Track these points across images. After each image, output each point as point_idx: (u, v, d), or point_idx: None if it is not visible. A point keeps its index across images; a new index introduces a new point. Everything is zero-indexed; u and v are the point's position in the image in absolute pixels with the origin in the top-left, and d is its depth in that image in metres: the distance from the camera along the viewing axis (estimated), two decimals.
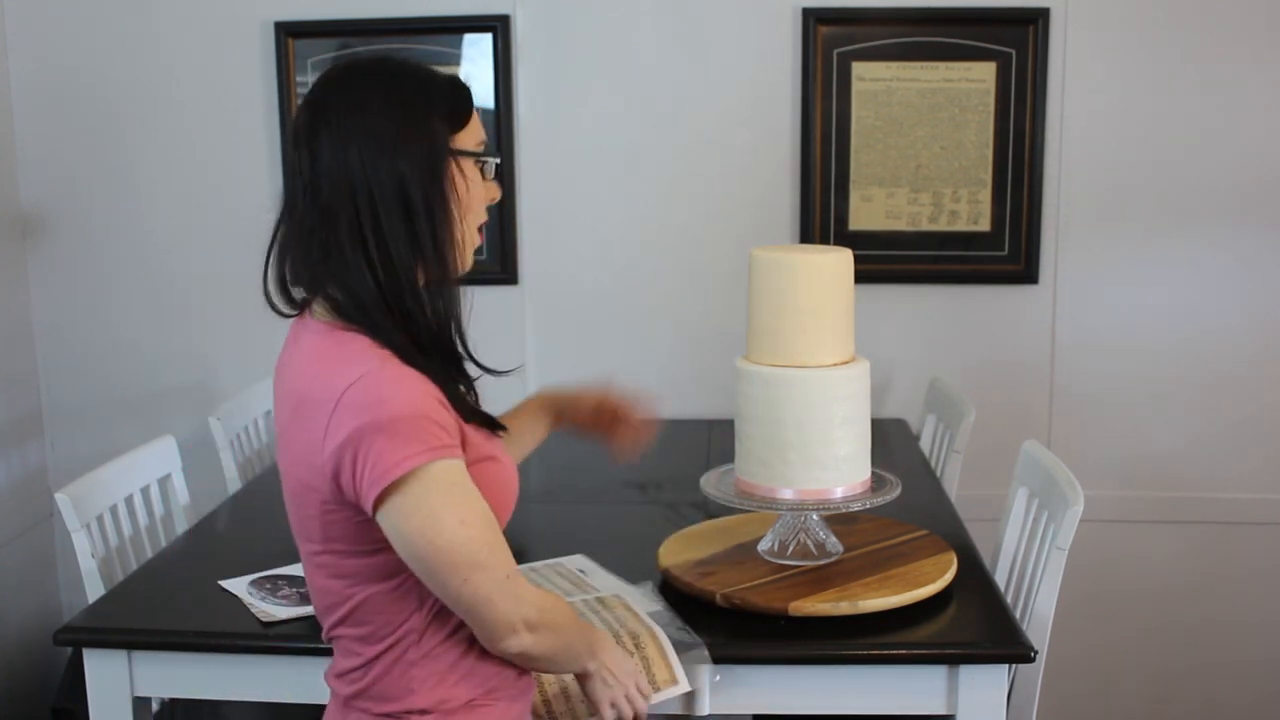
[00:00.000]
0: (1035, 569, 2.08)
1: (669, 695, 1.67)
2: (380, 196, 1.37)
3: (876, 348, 2.82)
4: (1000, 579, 2.16)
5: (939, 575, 1.87)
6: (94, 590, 2.12)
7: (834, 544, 1.97)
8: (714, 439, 2.79)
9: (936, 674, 1.75)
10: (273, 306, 1.48)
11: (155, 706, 2.05)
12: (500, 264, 3.00)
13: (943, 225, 2.99)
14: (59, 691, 2.90)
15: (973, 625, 1.83)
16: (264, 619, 1.84)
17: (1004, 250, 2.99)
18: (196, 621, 1.87)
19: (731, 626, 1.79)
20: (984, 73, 2.93)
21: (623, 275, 3.05)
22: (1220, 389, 3.00)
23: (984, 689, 1.75)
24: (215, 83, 3.07)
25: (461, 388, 1.46)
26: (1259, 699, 3.09)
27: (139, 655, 1.83)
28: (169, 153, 3.11)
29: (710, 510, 2.25)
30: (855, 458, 1.90)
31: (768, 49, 2.97)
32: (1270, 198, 2.93)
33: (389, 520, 1.33)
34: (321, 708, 1.56)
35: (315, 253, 1.40)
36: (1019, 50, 2.91)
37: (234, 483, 2.73)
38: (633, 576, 1.95)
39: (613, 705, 1.54)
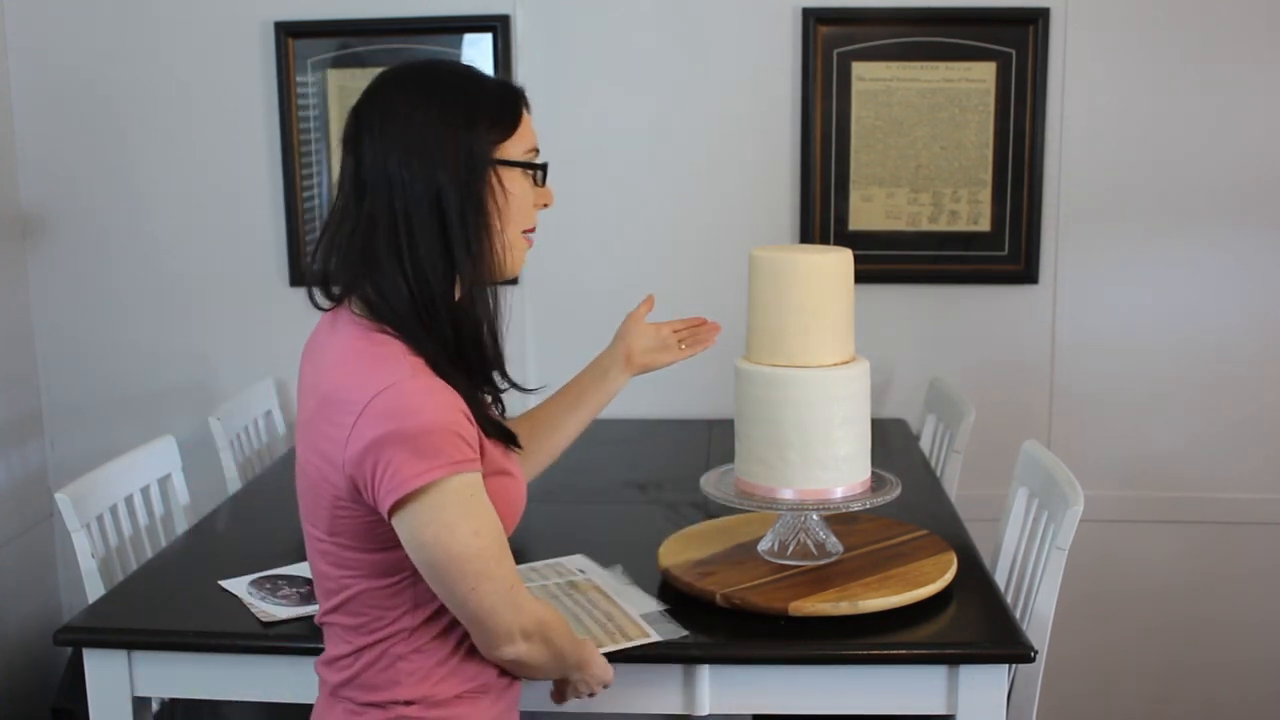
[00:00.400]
0: (1035, 569, 2.08)
1: (640, 643, 1.72)
2: (415, 207, 1.38)
3: (876, 348, 2.83)
4: (1000, 579, 2.16)
5: (939, 575, 1.87)
6: (94, 590, 2.12)
7: (834, 544, 1.97)
8: (714, 439, 2.79)
9: (936, 674, 1.75)
10: (313, 301, 1.50)
11: (155, 706, 2.05)
12: None
13: (943, 225, 2.99)
14: (59, 691, 2.90)
15: (973, 625, 1.83)
16: (264, 619, 1.84)
17: (1004, 250, 2.99)
18: (196, 621, 1.87)
19: (731, 626, 1.79)
20: (984, 73, 2.93)
21: (623, 275, 3.05)
22: (1220, 389, 3.00)
23: (984, 689, 1.75)
24: (215, 83, 3.07)
25: (488, 398, 1.50)
26: (1259, 699, 3.09)
27: (139, 655, 1.83)
28: (169, 153, 3.11)
29: (710, 510, 2.25)
30: (855, 458, 1.90)
31: (768, 49, 2.97)
32: (1270, 198, 2.93)
33: (404, 526, 1.35)
34: None
35: (354, 256, 1.42)
36: (1019, 50, 2.91)
37: (234, 483, 2.73)
38: (633, 577, 1.95)
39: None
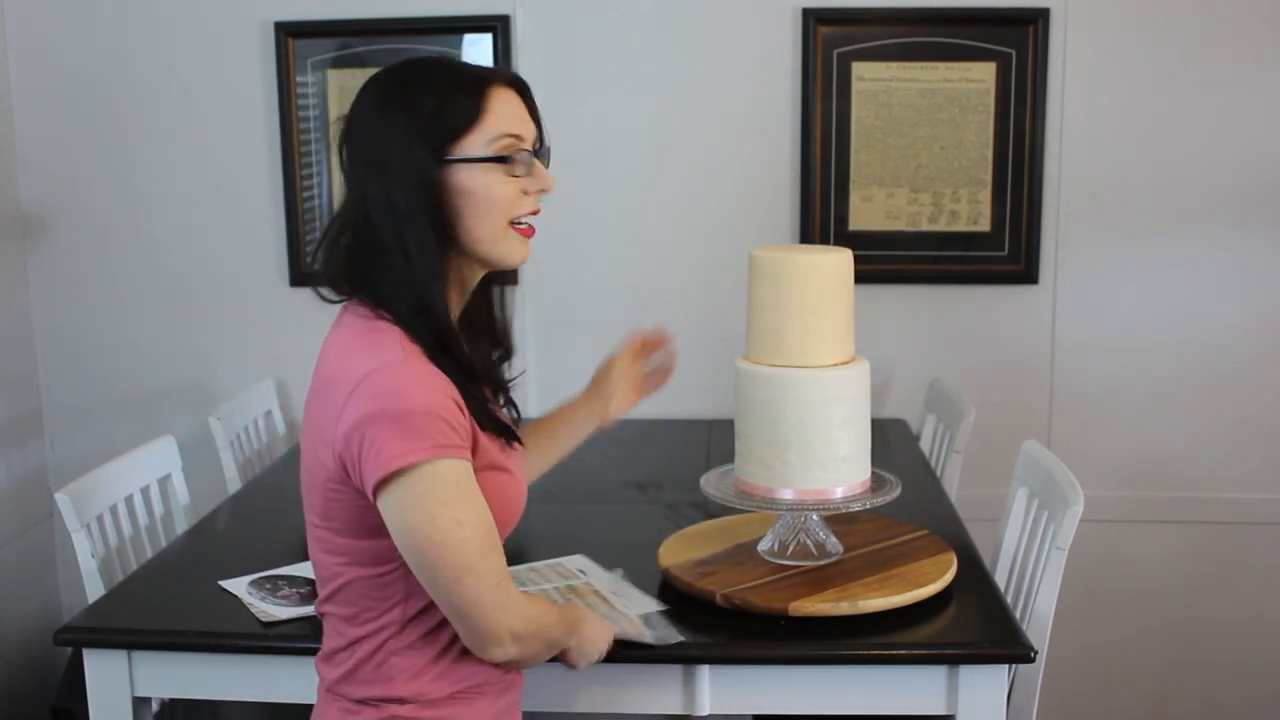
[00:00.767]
0: (1035, 569, 2.08)
1: (634, 638, 1.69)
2: (382, 214, 1.41)
3: (876, 348, 2.83)
4: (1000, 579, 2.16)
5: (939, 575, 1.87)
6: (94, 590, 2.12)
7: (834, 544, 1.97)
8: (714, 439, 2.79)
9: (936, 674, 1.75)
10: (320, 296, 1.51)
11: (155, 706, 2.05)
12: None
13: (943, 225, 2.99)
14: (59, 691, 2.90)
15: (973, 625, 1.83)
16: (264, 619, 1.84)
17: (1004, 250, 2.99)
18: (196, 621, 1.87)
19: (731, 626, 1.79)
20: (984, 73, 2.93)
21: (622, 275, 3.05)
22: (1220, 389, 3.00)
23: (984, 689, 1.74)
24: (215, 83, 3.07)
25: (488, 393, 1.50)
26: (1259, 698, 3.09)
27: (139, 655, 1.83)
28: (169, 153, 3.11)
29: (710, 510, 2.25)
30: (855, 458, 1.90)
31: (768, 49, 2.97)
32: (1270, 198, 2.93)
33: (388, 508, 1.36)
34: None
35: (344, 255, 1.45)
36: (1019, 50, 2.91)
37: (234, 483, 2.73)
38: (633, 577, 1.95)
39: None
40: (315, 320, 1.55)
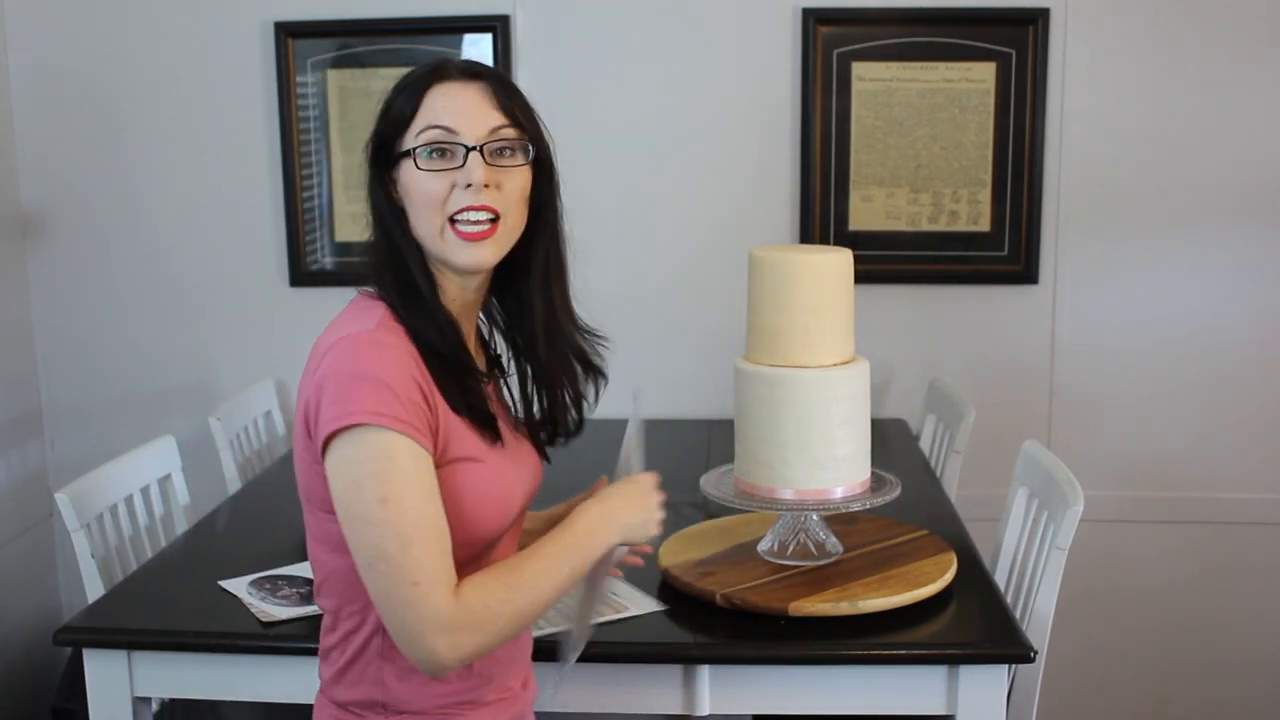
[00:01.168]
0: (1035, 569, 2.08)
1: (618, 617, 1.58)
2: (370, 211, 1.44)
3: (876, 348, 2.82)
4: (1000, 579, 2.16)
5: (939, 575, 1.87)
6: (94, 590, 2.12)
7: (834, 544, 1.97)
8: (714, 439, 2.79)
9: (936, 674, 1.75)
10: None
11: (155, 706, 2.05)
12: None
13: (943, 225, 2.99)
14: (59, 691, 2.90)
15: (973, 625, 1.83)
16: (264, 619, 1.84)
17: (1004, 250, 2.99)
18: (196, 621, 1.87)
19: (731, 626, 1.79)
20: (984, 73, 2.93)
21: (622, 275, 3.05)
22: (1220, 389, 3.00)
23: (984, 689, 1.75)
24: (215, 83, 3.07)
25: (495, 391, 1.46)
26: (1259, 698, 3.09)
27: (139, 655, 1.83)
28: (169, 152, 3.11)
29: (710, 510, 2.25)
30: (855, 458, 1.90)
31: (768, 49, 2.97)
32: (1270, 198, 2.93)
33: (329, 473, 1.31)
34: None
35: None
36: (1019, 50, 2.91)
37: (234, 483, 2.73)
38: (632, 577, 1.94)
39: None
40: (315, 320, 1.54)
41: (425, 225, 1.38)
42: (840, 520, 2.07)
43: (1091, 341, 3.01)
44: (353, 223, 3.06)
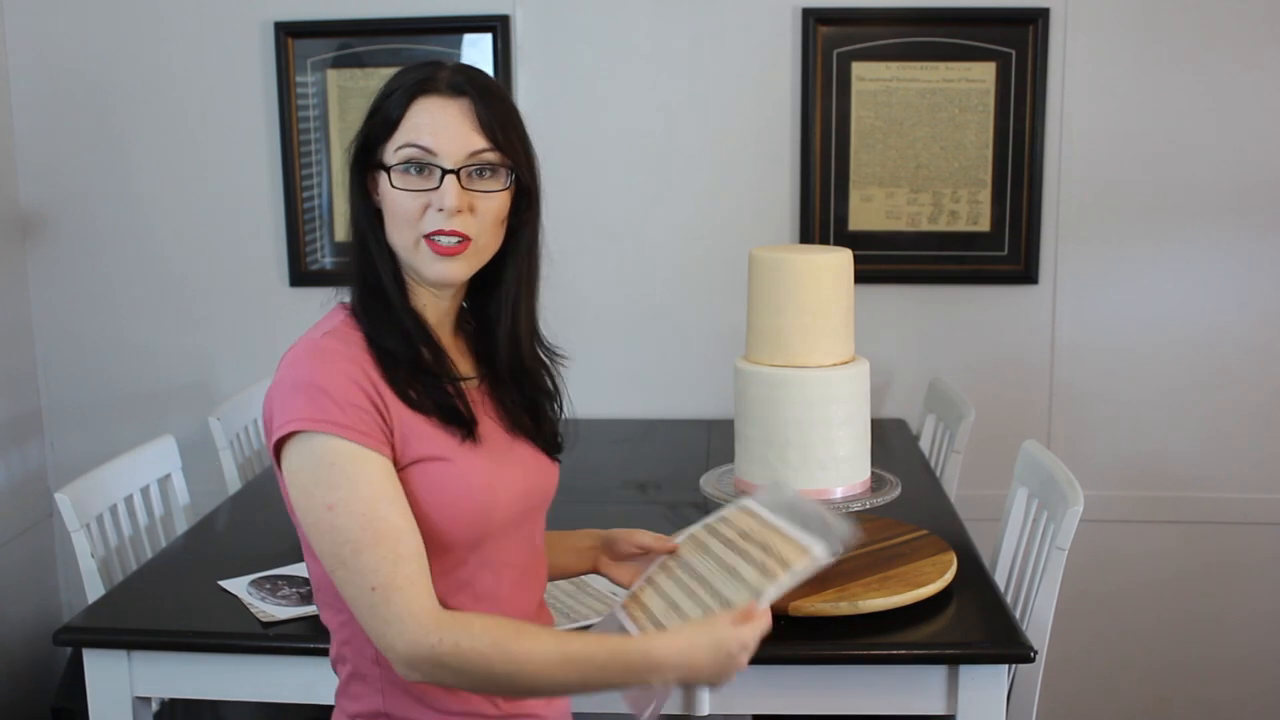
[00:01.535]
0: (1035, 569, 2.08)
1: (807, 568, 1.35)
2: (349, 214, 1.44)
3: (876, 348, 2.83)
4: (1000, 579, 2.16)
5: (939, 575, 1.87)
6: (94, 590, 2.12)
7: None
8: (714, 439, 2.79)
9: (936, 674, 1.75)
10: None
11: (155, 706, 2.05)
12: None
13: (943, 225, 2.99)
14: (59, 691, 2.90)
15: (973, 625, 1.83)
16: (264, 619, 1.84)
17: (1004, 250, 2.99)
18: (196, 621, 1.87)
19: None
20: (984, 73, 2.93)
21: (622, 275, 3.05)
22: (1220, 389, 3.00)
23: (984, 689, 1.75)
24: (215, 83, 3.07)
25: (436, 381, 1.38)
26: (1259, 698, 3.09)
27: (139, 655, 1.83)
28: (169, 153, 3.11)
29: (710, 510, 2.24)
30: (855, 458, 1.90)
31: (768, 49, 2.97)
32: (1270, 198, 2.93)
33: (285, 484, 1.32)
34: (320, 707, 1.56)
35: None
36: (1019, 50, 2.91)
37: (234, 483, 2.73)
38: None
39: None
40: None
41: (399, 237, 1.37)
42: None
43: (1091, 341, 3.01)
44: None
